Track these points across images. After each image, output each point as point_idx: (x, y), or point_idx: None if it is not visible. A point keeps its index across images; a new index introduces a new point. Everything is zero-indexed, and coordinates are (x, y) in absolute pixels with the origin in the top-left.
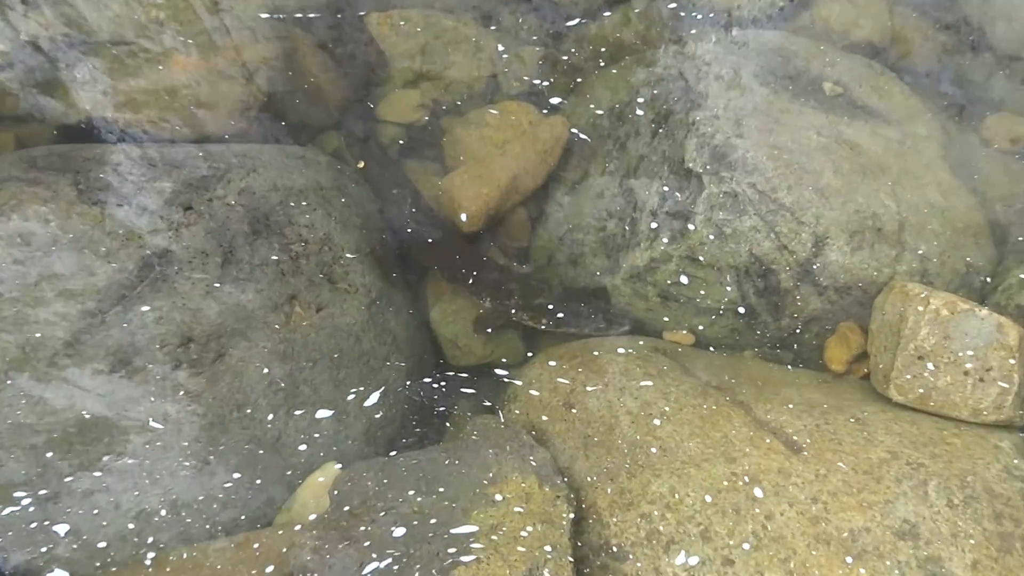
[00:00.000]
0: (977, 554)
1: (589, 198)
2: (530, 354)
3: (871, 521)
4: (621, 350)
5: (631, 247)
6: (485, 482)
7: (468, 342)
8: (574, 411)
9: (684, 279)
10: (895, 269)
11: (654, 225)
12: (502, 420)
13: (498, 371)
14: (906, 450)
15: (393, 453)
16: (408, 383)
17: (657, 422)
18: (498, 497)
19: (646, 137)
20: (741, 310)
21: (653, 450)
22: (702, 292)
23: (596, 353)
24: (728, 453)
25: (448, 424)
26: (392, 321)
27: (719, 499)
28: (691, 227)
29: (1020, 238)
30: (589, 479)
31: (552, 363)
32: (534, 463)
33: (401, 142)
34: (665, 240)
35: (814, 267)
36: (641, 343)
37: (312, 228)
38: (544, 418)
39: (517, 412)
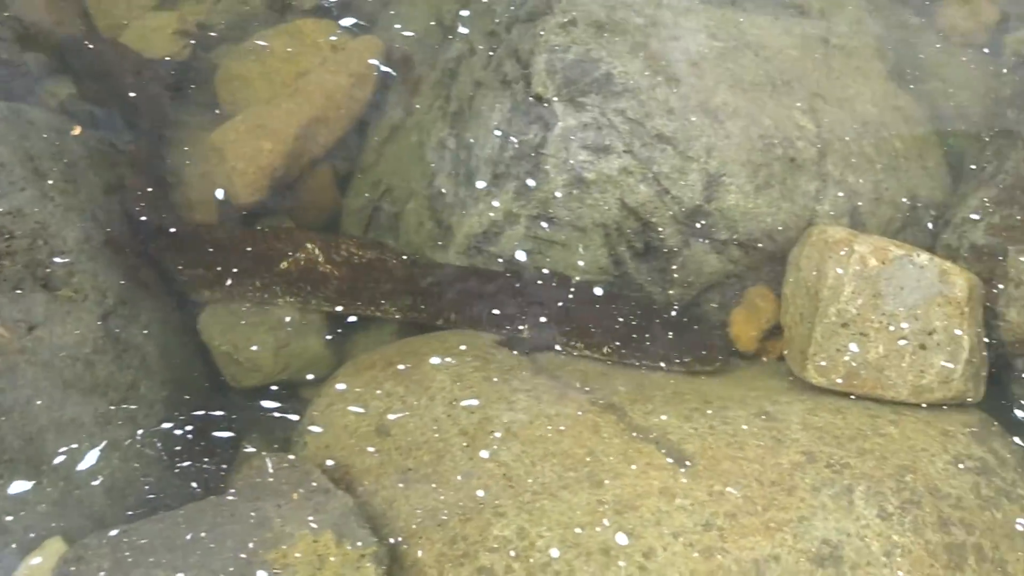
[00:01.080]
0: (918, 574)
1: (412, 145)
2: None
3: (780, 546)
4: (452, 349)
5: (466, 208)
6: (262, 545)
7: (252, 355)
8: (391, 437)
9: (537, 245)
10: (815, 211)
11: (494, 176)
12: (290, 457)
13: (298, 390)
14: (826, 449)
15: (138, 519)
16: (166, 418)
17: (499, 442)
18: (279, 565)
19: (482, 58)
20: (615, 280)
21: (495, 480)
22: (562, 261)
23: (419, 356)
24: (595, 475)
25: (224, 469)
26: (140, 335)
27: (583, 538)
28: (542, 175)
29: (984, 164)
30: (411, 526)
31: (362, 375)
32: (331, 513)
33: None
34: (510, 195)
35: (708, 217)
36: (481, 338)
37: (18, 216)
38: (350, 449)
39: (313, 444)
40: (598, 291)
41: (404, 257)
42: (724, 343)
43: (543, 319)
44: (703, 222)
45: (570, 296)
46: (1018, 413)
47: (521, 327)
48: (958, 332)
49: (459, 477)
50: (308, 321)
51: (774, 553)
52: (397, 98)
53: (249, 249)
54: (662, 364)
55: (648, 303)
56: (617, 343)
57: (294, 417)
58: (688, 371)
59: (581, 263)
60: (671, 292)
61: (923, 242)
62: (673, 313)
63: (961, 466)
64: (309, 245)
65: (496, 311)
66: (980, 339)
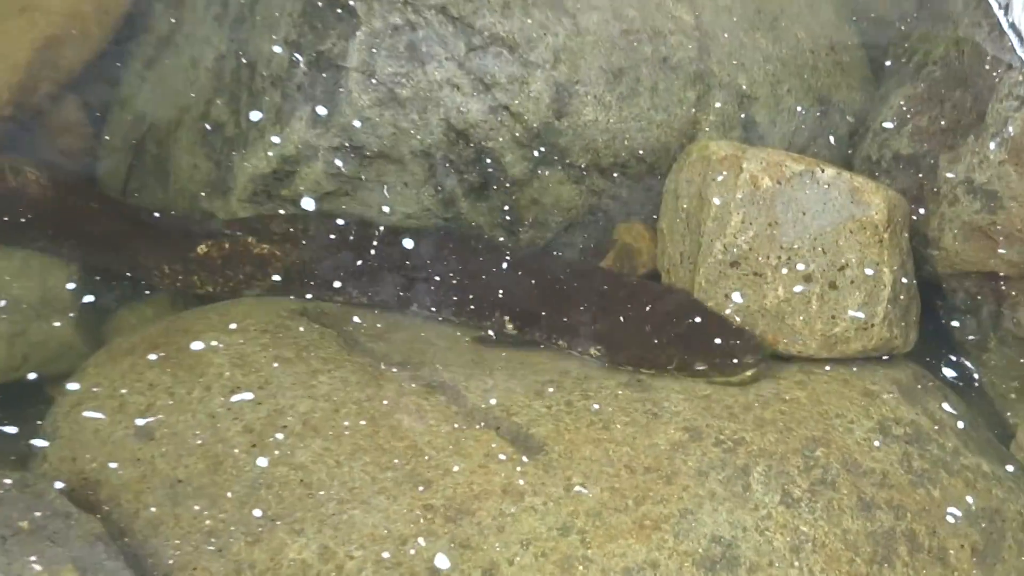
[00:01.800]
0: (836, 573)
1: (182, 66)
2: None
3: (659, 549)
4: (234, 324)
5: (249, 142)
6: None
7: None
8: (154, 441)
9: (342, 184)
10: (696, 123)
11: (283, 99)
12: (17, 475)
13: (42, 388)
14: (715, 422)
15: None
16: None
17: (294, 439)
18: None
19: None
20: (445, 222)
21: (289, 489)
22: (376, 202)
23: (190, 335)
24: (419, 474)
25: None
26: None
27: (403, 553)
28: (343, 95)
29: (908, 55)
30: (182, 555)
31: (118, 364)
32: (72, 544)
33: None
34: (303, 123)
35: (560, 137)
36: (274, 305)
37: None
38: (102, 460)
39: (55, 456)
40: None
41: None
42: (754, 338)
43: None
44: (554, 144)
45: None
46: (958, 364)
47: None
48: (877, 265)
49: (242, 488)
50: (52, 298)
51: (651, 559)
52: (164, 6)
53: None
54: (671, 369)
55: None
56: (606, 342)
57: (32, 423)
58: (709, 380)
59: (401, 206)
60: (520, 237)
61: (839, 157)
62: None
63: (887, 434)
64: None
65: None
66: (907, 273)
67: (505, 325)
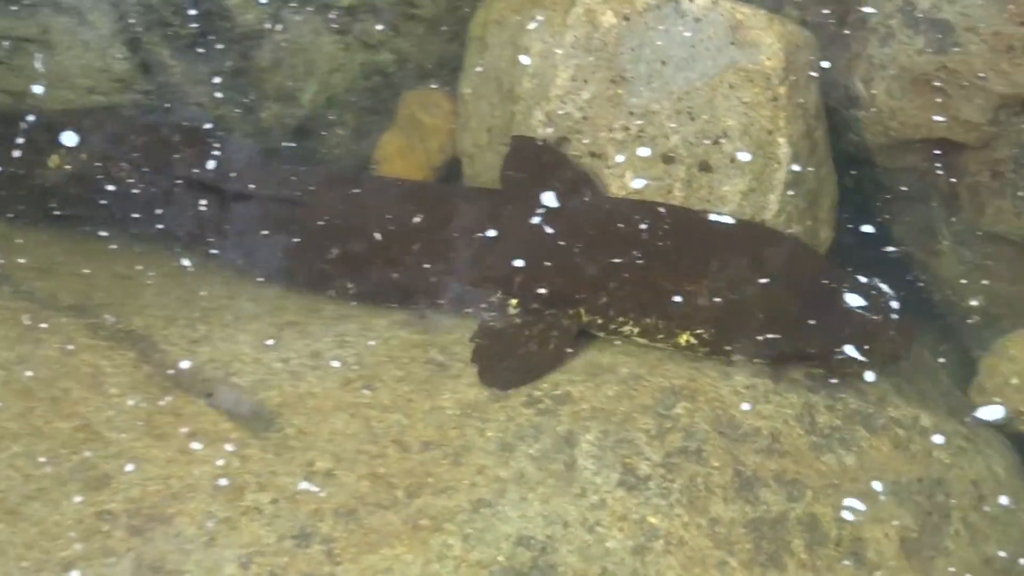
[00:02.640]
0: None
1: None
2: None
3: (439, 560)
4: None
5: None
6: None
7: None
8: None
9: (5, 53)
10: None
11: None
12: None
13: None
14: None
15: None
16: None
17: None
18: None
19: None
20: (146, 99)
21: None
22: (54, 73)
23: None
24: (92, 467)
25: None
26: None
27: None
28: None
29: None
30: None
31: None
32: None
33: None
34: None
35: None
36: None
37: None
38: None
39: None
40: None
41: None
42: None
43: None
44: None
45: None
46: (895, 275)
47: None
48: (769, 135)
49: None
50: None
51: (428, 574)
52: None
53: None
54: (813, 358)
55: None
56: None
57: None
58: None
59: (80, 78)
60: (261, 115)
61: None
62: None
63: (780, 378)
64: None
65: None
66: (816, 145)
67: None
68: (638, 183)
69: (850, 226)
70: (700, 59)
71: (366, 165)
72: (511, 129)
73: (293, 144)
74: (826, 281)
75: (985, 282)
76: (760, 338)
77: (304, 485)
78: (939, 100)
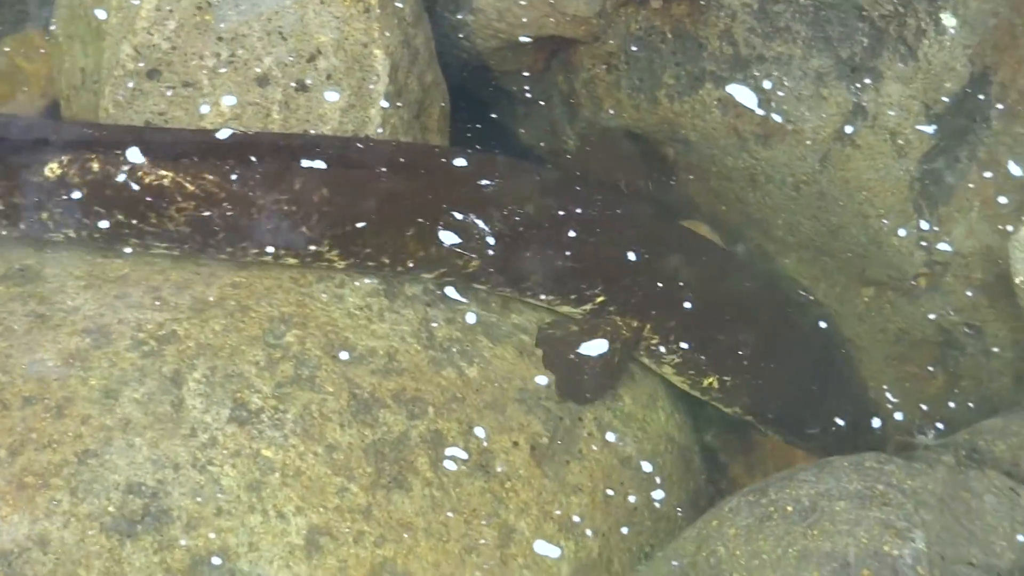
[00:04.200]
0: (321, 511)
1: None
2: None
3: (48, 518)
4: None
5: None
6: None
7: None
8: None
9: None
10: None
11: None
12: None
13: None
14: (132, 315)
15: None
16: None
17: None
18: None
19: None
20: None
21: None
22: None
23: None
24: None
25: None
26: None
27: None
28: None
29: None
30: None
31: None
32: None
33: None
34: None
35: None
36: None
37: None
38: None
39: None
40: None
41: None
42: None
43: None
44: None
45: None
46: None
47: None
48: (365, 47)
49: None
50: None
51: (38, 532)
52: None
53: None
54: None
55: None
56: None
57: None
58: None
59: None
60: None
61: None
62: None
63: (396, 297)
64: None
65: None
66: (416, 53)
67: None
68: (232, 110)
69: (469, 134)
70: None
71: None
72: (103, 67)
73: None
74: None
75: None
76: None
77: None
78: None
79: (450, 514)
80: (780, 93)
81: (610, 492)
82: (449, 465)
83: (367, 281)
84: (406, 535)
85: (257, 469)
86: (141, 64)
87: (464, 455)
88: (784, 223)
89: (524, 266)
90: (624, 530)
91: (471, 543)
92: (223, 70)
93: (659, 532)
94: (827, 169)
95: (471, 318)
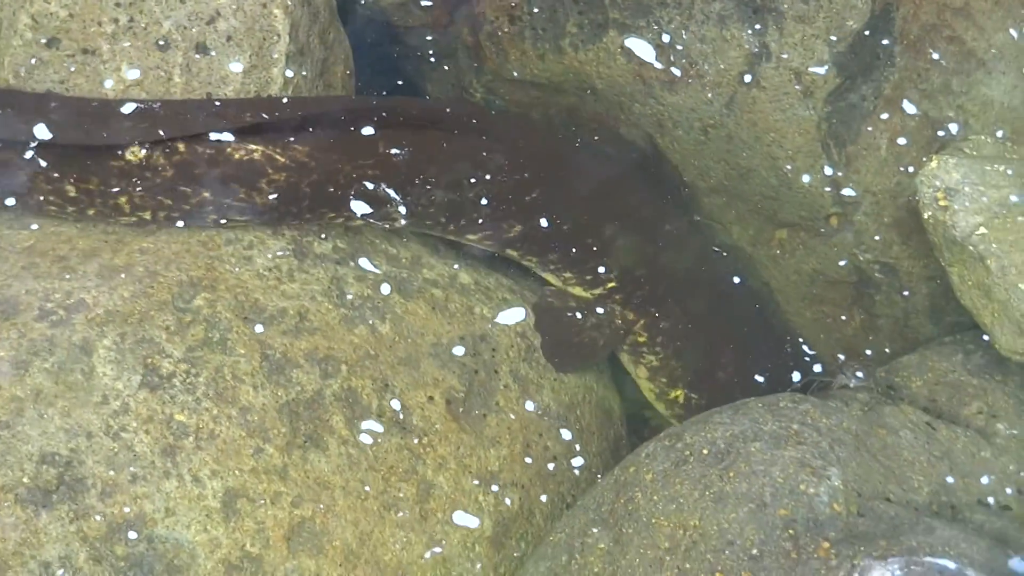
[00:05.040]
0: (237, 473)
1: None
2: None
3: None
4: None
5: None
6: None
7: None
8: None
9: None
10: None
11: None
12: None
13: None
14: (39, 284)
15: None
16: None
17: None
18: None
19: None
20: None
21: None
22: None
23: None
24: None
25: None
26: None
27: None
28: None
29: None
30: None
31: None
32: None
33: None
34: None
35: None
36: None
37: None
38: None
39: None
40: None
41: None
42: None
43: None
44: None
45: None
46: None
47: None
48: (263, 7)
49: None
50: None
51: None
52: None
53: None
54: None
55: None
56: None
57: None
58: None
59: None
60: None
61: None
62: None
63: (306, 255)
64: None
65: None
66: (318, 11)
67: None
68: (134, 74)
69: (375, 92)
70: None
71: None
72: (2, 37)
73: None
74: None
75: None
76: None
77: None
78: None
79: (367, 472)
80: (684, 36)
81: (529, 444)
82: (365, 423)
83: (275, 242)
84: (324, 494)
85: (171, 434)
86: (38, 33)
87: (379, 412)
88: (695, 168)
89: (562, 243)
90: (545, 482)
91: (390, 500)
92: (122, 37)
93: (580, 482)
94: (734, 112)
95: (381, 275)
